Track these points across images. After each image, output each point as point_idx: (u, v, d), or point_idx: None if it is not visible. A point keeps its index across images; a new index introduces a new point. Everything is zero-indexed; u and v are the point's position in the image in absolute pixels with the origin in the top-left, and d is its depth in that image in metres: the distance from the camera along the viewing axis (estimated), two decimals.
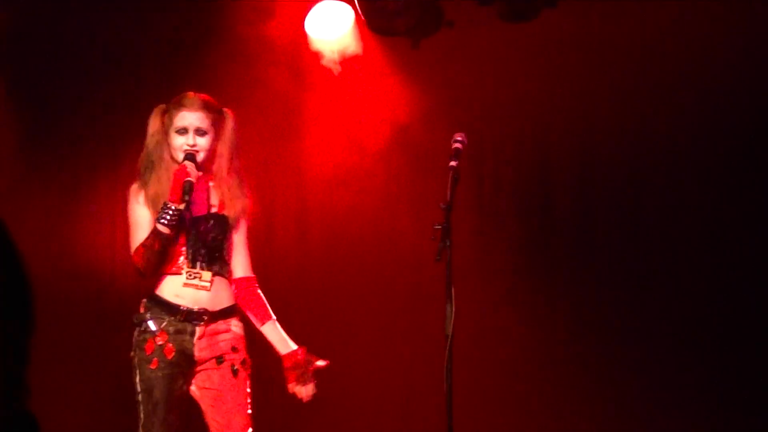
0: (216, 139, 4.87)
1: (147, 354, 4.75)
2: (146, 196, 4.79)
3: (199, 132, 4.80)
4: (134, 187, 4.85)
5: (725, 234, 6.54)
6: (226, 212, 4.86)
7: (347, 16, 6.86)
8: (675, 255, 6.62)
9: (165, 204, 4.68)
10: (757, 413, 6.39)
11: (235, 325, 4.87)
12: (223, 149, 4.88)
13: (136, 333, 4.80)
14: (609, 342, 6.68)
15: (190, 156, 4.77)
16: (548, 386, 6.73)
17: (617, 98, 6.72)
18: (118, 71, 7.02)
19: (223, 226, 4.86)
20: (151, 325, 4.76)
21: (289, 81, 7.03)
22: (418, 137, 6.88)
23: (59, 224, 7.02)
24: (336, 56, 6.91)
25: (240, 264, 4.95)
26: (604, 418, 6.62)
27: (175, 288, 4.78)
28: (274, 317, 4.93)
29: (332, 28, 6.90)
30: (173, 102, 4.87)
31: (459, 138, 4.78)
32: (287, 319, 6.83)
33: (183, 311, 4.76)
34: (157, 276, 4.81)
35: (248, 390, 4.85)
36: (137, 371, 4.77)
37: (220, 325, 4.82)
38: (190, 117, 4.79)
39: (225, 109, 4.93)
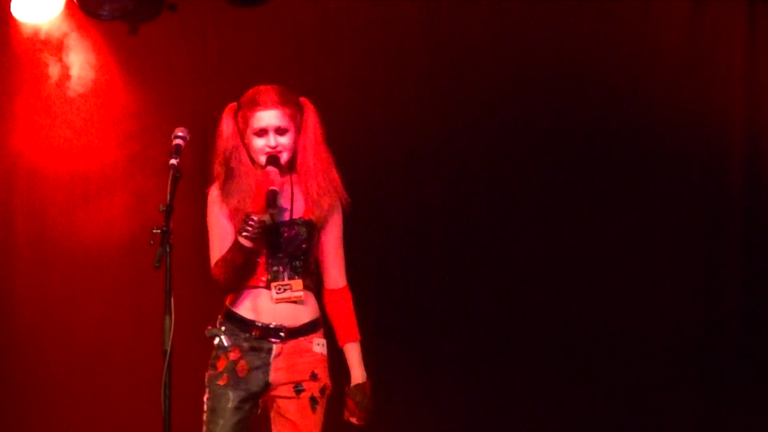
0: (297, 133, 4.50)
1: (218, 370, 4.45)
2: (228, 206, 4.44)
3: (280, 131, 4.44)
4: (213, 193, 4.52)
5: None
6: (311, 215, 4.49)
7: None
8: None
9: (247, 215, 4.34)
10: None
11: (317, 344, 4.52)
12: (306, 144, 4.51)
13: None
14: None
15: (272, 160, 4.41)
16: None
17: (346, 89, 6.55)
18: None
19: (309, 231, 4.48)
20: (224, 341, 4.47)
21: None
22: (139, 132, 6.52)
23: None
24: (47, 44, 6.57)
25: (332, 272, 4.60)
26: None
27: (254, 302, 4.46)
28: (359, 338, 4.58)
29: (41, 10, 6.49)
30: (246, 100, 4.48)
31: (180, 134, 4.42)
32: None
33: (258, 327, 4.43)
34: (237, 290, 4.47)
35: (323, 419, 4.53)
36: (207, 389, 4.47)
37: (301, 343, 4.48)
38: (267, 116, 4.43)
39: (301, 99, 4.57)
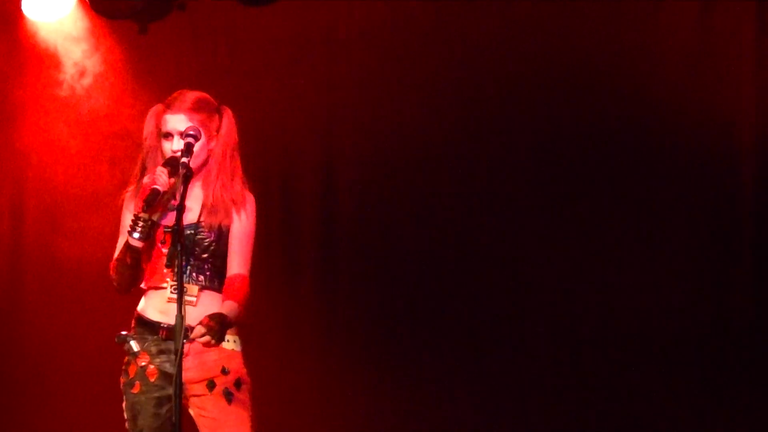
0: (209, 139, 4.49)
1: (130, 377, 4.45)
2: (136, 206, 4.40)
3: (186, 137, 4.40)
4: (128, 193, 4.54)
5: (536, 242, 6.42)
6: (212, 218, 4.45)
7: None
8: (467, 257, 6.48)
9: (135, 215, 4.33)
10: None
11: (227, 341, 4.45)
12: (215, 151, 4.51)
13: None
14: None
15: (169, 161, 4.38)
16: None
17: (356, 89, 6.53)
18: None
19: (212, 233, 4.46)
20: (134, 346, 4.44)
21: (3, 68, 6.62)
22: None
23: None
24: (57, 42, 6.50)
25: (231, 263, 4.51)
26: None
27: (158, 304, 4.44)
28: (239, 301, 4.43)
29: (52, 9, 6.46)
30: (164, 103, 4.51)
31: (191, 132, 4.40)
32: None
33: (164, 329, 4.39)
34: (141, 291, 4.49)
35: (249, 413, 4.48)
36: (123, 396, 4.47)
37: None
38: (173, 120, 4.45)
39: (222, 107, 4.59)
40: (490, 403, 6.42)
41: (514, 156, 6.45)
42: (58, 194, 6.67)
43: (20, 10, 6.50)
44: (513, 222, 6.44)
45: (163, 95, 6.44)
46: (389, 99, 6.52)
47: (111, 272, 4.44)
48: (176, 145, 4.40)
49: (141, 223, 4.31)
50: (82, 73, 6.57)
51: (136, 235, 4.31)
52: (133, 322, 4.49)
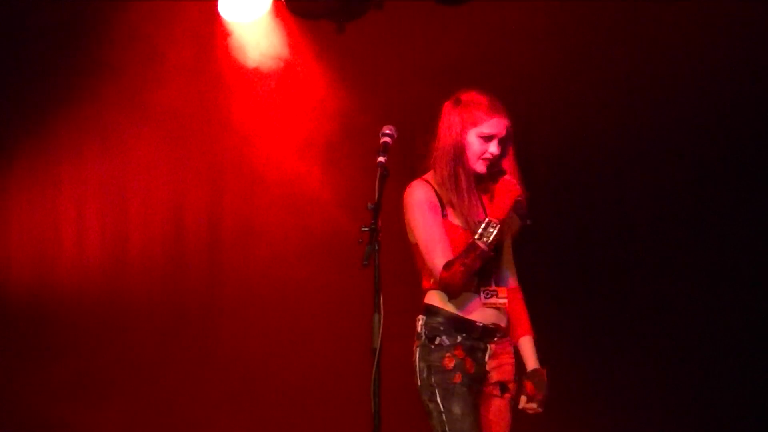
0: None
1: (448, 369, 4.41)
2: (453, 206, 4.42)
3: (501, 141, 4.49)
4: (423, 188, 4.51)
5: (727, 232, 6.29)
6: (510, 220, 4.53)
7: None
8: (663, 250, 6.39)
9: (489, 222, 4.35)
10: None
11: (512, 344, 4.58)
12: (510, 152, 4.57)
13: (420, 351, 4.47)
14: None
15: (499, 169, 4.47)
16: None
17: (552, 87, 6.47)
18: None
19: (502, 236, 4.52)
20: (445, 340, 4.43)
21: (202, 67, 6.82)
22: (346, 131, 6.55)
23: None
24: (253, 45, 6.61)
25: (512, 273, 4.64)
26: None
27: (468, 305, 4.46)
28: (533, 333, 4.61)
29: (248, 11, 6.57)
30: (473, 101, 4.53)
31: (388, 131, 4.40)
32: (204, 325, 6.69)
33: (479, 328, 4.44)
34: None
35: None
36: (436, 390, 4.41)
37: (505, 344, 4.54)
38: (501, 125, 4.50)
39: None
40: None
41: (705, 155, 6.31)
42: (256, 192, 6.78)
43: (216, 11, 6.60)
44: (699, 218, 6.32)
45: (361, 94, 6.54)
46: (583, 96, 6.44)
47: (451, 278, 4.34)
48: (495, 148, 4.45)
49: (496, 231, 4.33)
50: (278, 74, 6.66)
51: (490, 242, 4.32)
52: (423, 318, 4.48)
